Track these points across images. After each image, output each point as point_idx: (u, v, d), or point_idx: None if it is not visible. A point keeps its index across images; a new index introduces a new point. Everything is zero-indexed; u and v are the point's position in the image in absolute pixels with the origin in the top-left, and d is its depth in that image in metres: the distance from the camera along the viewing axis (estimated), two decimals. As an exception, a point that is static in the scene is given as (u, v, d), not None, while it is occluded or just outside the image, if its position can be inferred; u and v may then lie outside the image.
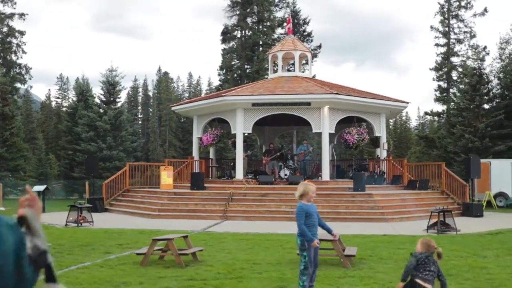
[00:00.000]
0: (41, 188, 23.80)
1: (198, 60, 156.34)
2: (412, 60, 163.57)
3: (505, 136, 33.57)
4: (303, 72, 32.44)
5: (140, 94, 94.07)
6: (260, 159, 33.69)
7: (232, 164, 28.36)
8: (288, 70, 33.02)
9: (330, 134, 24.53)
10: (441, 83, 42.43)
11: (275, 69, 28.56)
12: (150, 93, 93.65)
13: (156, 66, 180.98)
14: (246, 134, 26.25)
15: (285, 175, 24.98)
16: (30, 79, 43.05)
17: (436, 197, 23.33)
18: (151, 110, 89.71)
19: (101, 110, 36.68)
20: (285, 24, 41.91)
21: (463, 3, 41.81)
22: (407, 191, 23.01)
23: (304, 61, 34.60)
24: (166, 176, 23.61)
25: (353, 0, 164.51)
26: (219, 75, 46.65)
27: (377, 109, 25.84)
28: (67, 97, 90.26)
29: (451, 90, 41.79)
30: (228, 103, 24.36)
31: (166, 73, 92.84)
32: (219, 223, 18.77)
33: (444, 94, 41.93)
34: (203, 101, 26.74)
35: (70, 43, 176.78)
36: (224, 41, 44.57)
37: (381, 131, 26.16)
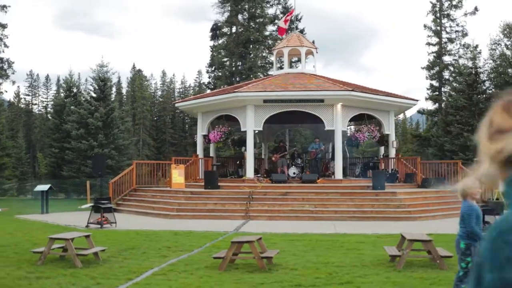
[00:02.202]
0: (45, 187, 22.50)
1: (171, 58, 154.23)
2: (380, 60, 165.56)
3: (502, 135, 33.84)
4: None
5: (113, 92, 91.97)
6: (258, 158, 33.06)
7: (238, 162, 27.58)
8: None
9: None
10: (434, 81, 42.56)
11: (279, 65, 27.98)
12: (124, 91, 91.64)
13: (127, 64, 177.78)
14: (256, 132, 25.55)
15: (294, 173, 24.45)
16: (13, 73, 41.05)
17: (455, 195, 23.12)
18: (124, 108, 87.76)
19: (92, 107, 35.19)
20: (278, 21, 41.37)
21: (454, 2, 41.99)
22: (426, 189, 22.68)
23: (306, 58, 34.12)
24: (177, 175, 22.65)
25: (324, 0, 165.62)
26: (207, 72, 45.74)
27: (387, 107, 25.55)
28: (37, 95, 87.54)
29: (443, 89, 41.99)
30: (239, 99, 23.61)
31: (139, 71, 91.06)
32: (246, 223, 18.03)
33: (436, 93, 42.08)
34: (211, 97, 25.86)
35: (35, 41, 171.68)
36: (213, 37, 43.64)
37: (390, 129, 25.87)
